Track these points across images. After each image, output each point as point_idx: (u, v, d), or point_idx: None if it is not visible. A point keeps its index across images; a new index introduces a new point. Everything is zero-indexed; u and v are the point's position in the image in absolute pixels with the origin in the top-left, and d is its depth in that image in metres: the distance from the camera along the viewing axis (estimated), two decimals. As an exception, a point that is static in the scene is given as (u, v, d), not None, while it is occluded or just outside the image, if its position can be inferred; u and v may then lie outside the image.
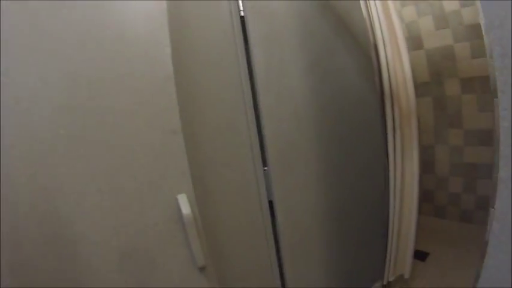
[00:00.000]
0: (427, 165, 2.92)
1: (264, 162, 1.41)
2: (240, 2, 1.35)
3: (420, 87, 2.77)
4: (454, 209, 2.84)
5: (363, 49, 1.72)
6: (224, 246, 1.31)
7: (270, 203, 1.43)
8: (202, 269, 1.09)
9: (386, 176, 1.79)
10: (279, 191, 1.43)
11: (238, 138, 1.33)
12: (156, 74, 1.03)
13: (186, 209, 1.04)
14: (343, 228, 1.75)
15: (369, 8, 1.82)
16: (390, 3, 1.79)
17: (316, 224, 1.64)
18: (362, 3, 1.83)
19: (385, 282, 1.94)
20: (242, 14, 1.36)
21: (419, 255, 2.44)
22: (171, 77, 1.04)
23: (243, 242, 1.37)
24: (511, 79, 0.77)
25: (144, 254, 1.03)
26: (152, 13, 1.04)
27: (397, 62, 1.72)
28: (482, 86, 2.50)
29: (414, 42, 2.77)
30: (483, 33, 0.91)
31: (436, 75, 2.72)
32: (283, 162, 1.45)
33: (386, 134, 1.71)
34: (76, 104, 0.92)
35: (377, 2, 1.79)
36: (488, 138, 2.51)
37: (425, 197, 2.99)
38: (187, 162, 1.07)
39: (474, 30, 2.44)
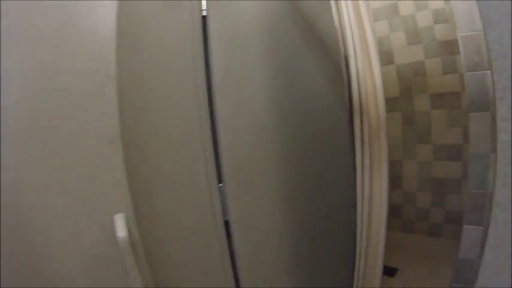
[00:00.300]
0: (394, 181, 2.91)
1: (220, 178, 1.24)
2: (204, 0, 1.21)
3: (389, 102, 2.74)
4: (422, 223, 2.81)
5: (332, 59, 1.60)
6: (173, 272, 1.15)
7: (226, 223, 1.26)
8: (142, 300, 0.94)
9: (353, 192, 1.67)
10: (235, 210, 1.25)
11: (191, 150, 1.17)
12: (97, 72, 0.88)
13: (121, 231, 0.88)
14: (309, 248, 1.61)
15: (340, 17, 1.72)
16: (364, 14, 1.69)
17: (279, 245, 1.45)
18: (334, 12, 1.73)
19: (354, 300, 1.82)
20: (204, 13, 1.22)
21: (388, 271, 2.37)
22: (112, 77, 0.89)
23: (196, 267, 1.21)
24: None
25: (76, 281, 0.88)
26: (99, 3, 0.90)
27: (368, 75, 1.62)
28: (452, 102, 2.51)
29: (385, 57, 2.80)
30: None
31: (405, 91, 2.71)
32: (241, 178, 1.27)
33: (354, 148, 1.59)
34: (8, 104, 0.76)
35: (350, 12, 1.69)
36: (456, 153, 2.53)
37: (393, 212, 2.95)
38: (125, 177, 0.91)
39: (446, 46, 2.48)
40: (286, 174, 1.40)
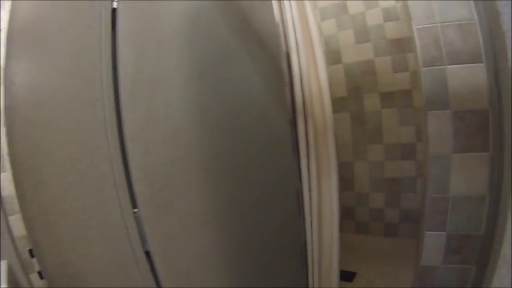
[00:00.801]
0: (346, 182, 2.81)
1: (134, 202, 1.00)
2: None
3: (337, 103, 2.70)
4: (377, 224, 2.73)
5: (272, 57, 1.42)
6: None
7: (148, 253, 1.04)
8: None
9: (300, 201, 1.50)
10: (155, 238, 1.03)
11: (97, 171, 0.94)
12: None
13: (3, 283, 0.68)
14: (256, 265, 1.42)
15: (282, 12, 1.55)
16: (308, 8, 1.52)
17: (213, 271, 1.22)
18: (275, 4, 1.55)
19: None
20: (115, 4, 1.00)
21: (346, 276, 2.26)
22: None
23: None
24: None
25: None
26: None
27: (313, 73, 1.46)
28: (403, 100, 2.47)
29: (332, 56, 2.70)
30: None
31: (354, 90, 2.66)
32: (158, 200, 1.03)
33: (298, 154, 1.42)
34: None
35: (293, 4, 1.51)
36: (409, 152, 2.50)
37: (346, 214, 2.86)
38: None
39: (397, 45, 2.44)
40: (215, 192, 1.19)
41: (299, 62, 1.44)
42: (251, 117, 1.31)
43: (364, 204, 2.77)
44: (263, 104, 1.36)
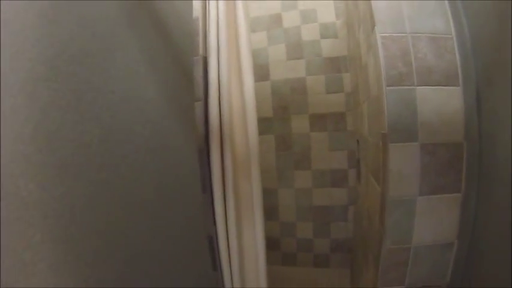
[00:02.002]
0: (270, 211, 2.50)
1: None
2: None
3: (261, 123, 2.38)
4: (305, 255, 2.45)
5: (180, 60, 1.00)
6: None
7: None
8: None
9: (215, 252, 1.10)
10: None
11: None
12: None
13: None
14: None
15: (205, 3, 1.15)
16: (240, 4, 1.14)
17: None
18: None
19: None
20: None
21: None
22: None
23: None
24: None
25: None
26: None
27: (235, 85, 1.06)
28: (335, 123, 2.27)
29: (259, 71, 2.42)
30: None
31: (281, 110, 2.38)
32: None
33: (212, 193, 1.02)
34: None
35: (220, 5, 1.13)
36: (340, 179, 2.28)
37: (271, 245, 2.53)
38: None
39: (332, 63, 2.25)
40: (85, 249, 0.72)
41: (219, 69, 1.04)
42: (144, 147, 0.86)
43: (290, 235, 2.46)
44: (162, 127, 0.92)
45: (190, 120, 1.07)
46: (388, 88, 0.90)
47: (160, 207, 0.96)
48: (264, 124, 2.42)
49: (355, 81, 1.86)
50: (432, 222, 0.95)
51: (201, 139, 1.10)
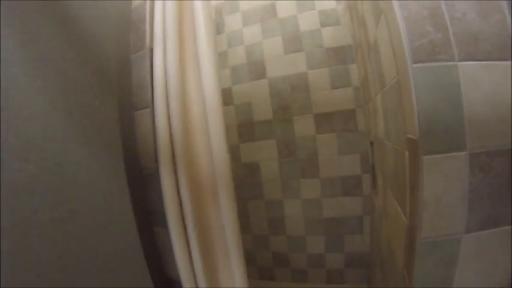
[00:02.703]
0: (275, 225, 2.19)
1: None
2: None
3: (260, 128, 2.15)
4: (317, 270, 2.14)
5: (108, 54, 0.68)
6: None
7: None
8: None
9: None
10: None
11: None
12: None
13: None
14: None
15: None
16: None
17: None
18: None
19: None
20: None
21: None
22: None
23: None
24: None
25: None
26: None
27: (192, 83, 0.73)
28: (344, 123, 1.93)
29: (254, 69, 2.12)
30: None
31: (281, 111, 2.08)
32: None
33: (169, 239, 0.70)
34: None
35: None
36: (353, 186, 1.95)
37: (279, 261, 2.24)
38: None
39: (337, 54, 1.92)
40: None
41: (165, 62, 0.72)
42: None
43: (299, 250, 2.16)
44: (72, 154, 0.60)
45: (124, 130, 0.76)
46: (415, 66, 0.55)
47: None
48: (263, 128, 2.11)
49: (364, 72, 1.51)
50: (481, 268, 0.62)
51: (150, 160, 0.78)
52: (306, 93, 1.97)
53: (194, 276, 0.81)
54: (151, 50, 0.84)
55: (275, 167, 2.11)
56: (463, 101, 0.55)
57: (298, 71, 1.98)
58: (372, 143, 1.60)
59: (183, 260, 0.79)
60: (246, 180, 2.20)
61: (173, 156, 0.78)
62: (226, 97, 2.19)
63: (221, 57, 2.19)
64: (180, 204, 0.79)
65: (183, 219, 0.79)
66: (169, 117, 0.77)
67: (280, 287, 2.22)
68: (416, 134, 0.55)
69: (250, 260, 2.29)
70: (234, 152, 2.22)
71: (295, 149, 2.04)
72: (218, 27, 2.20)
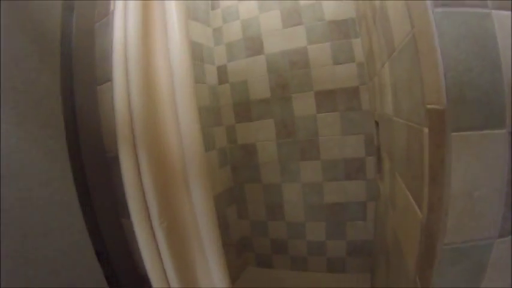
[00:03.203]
0: (274, 210, 2.06)
1: None
2: None
3: (256, 107, 2.00)
4: (317, 258, 2.01)
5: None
6: None
7: None
8: None
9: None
10: None
11: None
12: None
13: None
14: None
15: None
16: None
17: None
18: None
19: None
20: None
21: None
22: None
23: None
24: None
25: None
26: None
27: (159, 56, 0.58)
28: (347, 101, 1.77)
29: (251, 45, 1.96)
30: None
31: (280, 89, 1.92)
32: None
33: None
34: None
35: None
36: (356, 169, 1.81)
37: (278, 248, 2.12)
38: None
39: (338, 28, 1.74)
40: None
41: (126, 26, 0.57)
42: None
43: (299, 237, 2.02)
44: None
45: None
46: (438, 11, 0.40)
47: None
48: (261, 107, 1.97)
49: (368, 46, 1.35)
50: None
51: (113, 141, 0.64)
52: (306, 70, 1.81)
53: (165, 274, 0.68)
54: (113, 12, 0.69)
55: (273, 149, 1.96)
56: (501, 58, 0.40)
57: (298, 45, 1.81)
58: (377, 123, 1.44)
59: (151, 257, 0.66)
60: (242, 163, 2.06)
61: (134, 136, 0.64)
62: (222, 75, 2.04)
63: (216, 34, 2.03)
64: (143, 194, 0.65)
65: (148, 209, 0.66)
66: (129, 91, 0.63)
67: (278, 275, 2.11)
68: (443, 102, 0.40)
69: (247, 246, 2.17)
70: (229, 133, 2.07)
71: (294, 130, 1.89)
72: (213, 4, 2.03)
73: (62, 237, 0.62)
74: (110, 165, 0.76)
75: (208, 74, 1.96)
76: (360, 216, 1.84)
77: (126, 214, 0.70)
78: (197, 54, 1.86)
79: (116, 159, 0.71)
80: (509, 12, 0.41)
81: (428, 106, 0.46)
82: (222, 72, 2.04)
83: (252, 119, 1.98)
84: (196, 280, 0.71)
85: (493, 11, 0.40)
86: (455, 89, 0.39)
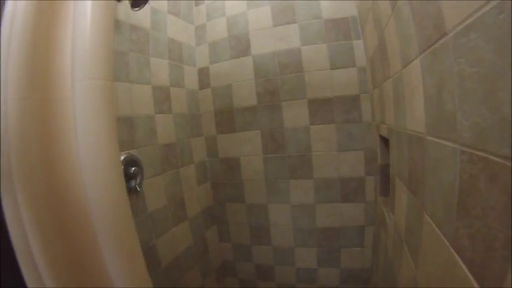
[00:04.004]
0: (259, 233, 1.80)
1: None
2: None
3: (241, 115, 1.78)
4: (308, 287, 1.77)
5: None
6: None
7: None
8: None
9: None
10: None
11: None
12: None
13: None
14: None
15: None
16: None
17: None
18: None
19: None
20: None
21: None
22: None
23: None
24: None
25: None
26: None
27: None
28: (345, 112, 1.55)
29: (237, 45, 1.72)
30: None
31: (268, 96, 1.68)
32: None
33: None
34: None
35: None
36: (354, 190, 1.58)
37: (262, 275, 1.88)
38: None
39: (336, 27, 1.53)
40: None
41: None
42: None
43: (287, 263, 1.78)
44: None
45: None
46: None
47: None
48: (246, 116, 1.72)
49: (373, 49, 1.11)
50: None
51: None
52: (298, 74, 1.59)
53: None
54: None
55: (259, 164, 1.73)
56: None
57: (290, 46, 1.59)
58: (380, 138, 1.20)
59: None
60: (224, 179, 1.80)
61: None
62: (203, 78, 1.78)
63: (198, 32, 1.78)
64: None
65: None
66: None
67: (264, 303, 1.85)
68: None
69: (229, 271, 1.90)
70: (210, 145, 1.81)
71: (283, 143, 1.66)
72: None
73: None
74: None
75: (187, 77, 1.71)
76: (356, 242, 1.61)
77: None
78: (176, 54, 1.61)
79: None
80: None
81: None
82: (203, 75, 1.78)
83: (236, 130, 1.72)
84: None
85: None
86: None
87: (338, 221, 1.60)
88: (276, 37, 1.59)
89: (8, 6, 0.50)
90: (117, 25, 1.26)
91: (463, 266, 0.40)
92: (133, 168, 1.26)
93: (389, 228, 1.04)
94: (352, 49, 1.47)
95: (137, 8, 1.23)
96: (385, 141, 1.17)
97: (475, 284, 0.37)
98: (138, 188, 1.27)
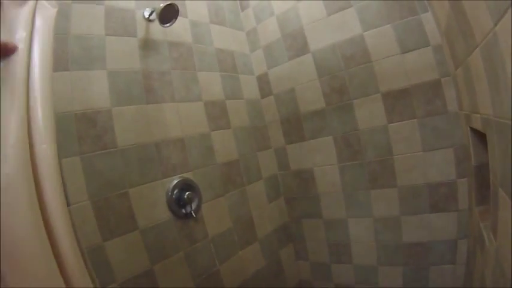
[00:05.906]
0: (338, 251, 1.60)
1: None
2: None
3: (309, 121, 1.58)
4: None
5: None
6: None
7: None
8: None
9: None
10: None
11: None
12: None
13: None
14: None
15: None
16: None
17: None
18: None
19: None
20: None
21: None
22: None
23: None
24: None
25: None
26: None
27: None
28: (426, 103, 1.27)
29: (293, 43, 1.55)
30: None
31: (336, 95, 1.48)
32: None
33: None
34: None
35: None
36: (444, 197, 1.28)
37: None
38: None
39: (399, 5, 1.27)
40: None
41: None
42: None
43: (369, 283, 1.54)
44: None
45: None
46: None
47: None
48: (315, 121, 1.53)
49: (446, 13, 0.84)
50: None
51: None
52: (366, 65, 1.34)
53: None
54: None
55: (335, 175, 1.52)
56: None
57: (350, 34, 1.36)
58: (471, 130, 0.91)
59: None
60: (298, 194, 1.63)
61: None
62: (263, 86, 1.64)
63: (250, 37, 1.66)
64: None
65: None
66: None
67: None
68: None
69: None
70: (280, 157, 1.65)
71: (360, 148, 1.43)
72: (242, 4, 1.67)
73: None
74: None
75: (245, 87, 1.59)
76: (447, 259, 1.31)
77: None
78: (228, 65, 1.51)
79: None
80: None
81: None
82: (263, 82, 1.64)
83: (306, 138, 1.54)
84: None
85: None
86: None
87: (427, 234, 1.30)
88: (333, 26, 1.37)
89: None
90: (154, 45, 1.21)
91: None
92: (187, 193, 1.18)
93: (488, 254, 0.74)
94: (421, 25, 1.18)
95: (168, 24, 1.16)
96: (479, 135, 0.87)
97: None
98: (193, 214, 1.18)
